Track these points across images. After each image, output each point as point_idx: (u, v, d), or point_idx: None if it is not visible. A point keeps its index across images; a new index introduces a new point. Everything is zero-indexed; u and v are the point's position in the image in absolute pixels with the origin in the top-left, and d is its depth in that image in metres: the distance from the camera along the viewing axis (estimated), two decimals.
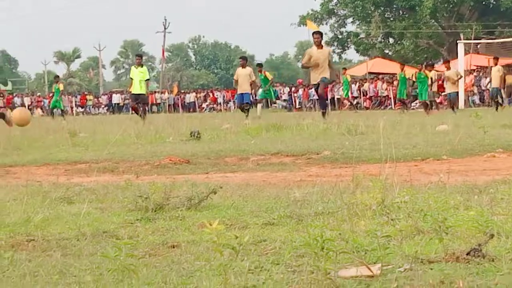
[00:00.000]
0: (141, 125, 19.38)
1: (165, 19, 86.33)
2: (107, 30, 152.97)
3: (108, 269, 3.42)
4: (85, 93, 74.24)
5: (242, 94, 24.14)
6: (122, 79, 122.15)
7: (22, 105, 65.72)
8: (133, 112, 25.88)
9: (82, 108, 65.99)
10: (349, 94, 41.55)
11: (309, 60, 19.50)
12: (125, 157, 10.19)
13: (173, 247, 4.11)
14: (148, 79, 24.89)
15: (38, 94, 76.17)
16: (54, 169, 9.31)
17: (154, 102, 63.91)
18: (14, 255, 3.96)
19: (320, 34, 20.54)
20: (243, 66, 24.61)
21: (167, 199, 5.32)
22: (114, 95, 68.09)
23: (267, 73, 29.89)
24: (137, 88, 24.37)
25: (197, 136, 13.33)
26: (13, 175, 8.73)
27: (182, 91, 68.18)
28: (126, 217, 5.10)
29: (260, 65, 30.77)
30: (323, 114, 19.12)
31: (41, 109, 65.23)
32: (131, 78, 24.74)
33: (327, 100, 20.19)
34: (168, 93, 64.07)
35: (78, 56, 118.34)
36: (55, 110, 36.74)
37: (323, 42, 20.40)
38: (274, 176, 7.74)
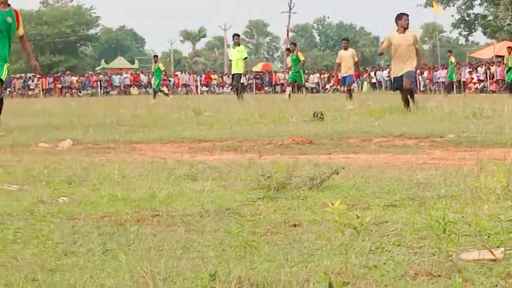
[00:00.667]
0: (241, 104, 19.54)
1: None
2: (233, 10, 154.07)
3: (230, 245, 3.48)
4: (210, 72, 75.12)
5: (345, 76, 24.07)
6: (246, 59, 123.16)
7: (149, 83, 67.23)
8: (234, 91, 26.02)
9: (206, 87, 66.83)
10: (455, 76, 41.10)
11: (387, 47, 16.45)
12: (248, 136, 10.28)
13: (295, 226, 4.14)
14: (246, 58, 24.95)
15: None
16: (179, 147, 9.48)
17: (278, 82, 64.27)
18: (139, 229, 4.06)
19: (408, 15, 16.36)
20: (346, 48, 24.57)
21: (289, 179, 5.34)
22: None
23: (299, 54, 28.57)
24: (235, 67, 24.57)
25: (320, 117, 13.32)
26: (139, 152, 8.93)
27: (306, 72, 68.19)
28: (248, 195, 5.15)
29: (293, 44, 30.00)
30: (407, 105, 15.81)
31: (167, 87, 66.33)
32: (230, 60, 24.98)
33: (412, 96, 16.24)
34: None
35: (204, 36, 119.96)
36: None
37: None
38: (396, 158, 7.66)
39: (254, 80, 66.66)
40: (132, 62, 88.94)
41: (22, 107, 19.63)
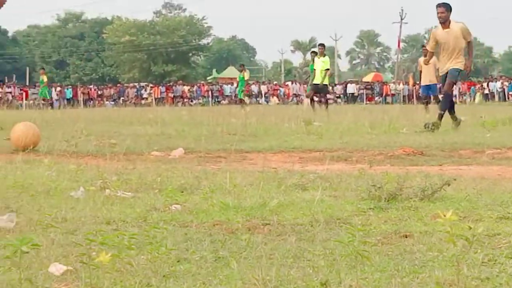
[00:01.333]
0: (325, 116, 19.37)
1: (402, 10, 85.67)
2: (343, 20, 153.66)
3: (341, 254, 3.49)
4: None
5: (428, 85, 23.03)
6: (357, 69, 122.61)
7: (259, 93, 67.70)
8: (310, 102, 25.72)
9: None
10: None
11: (434, 45, 14.54)
12: (359, 146, 10.25)
13: (406, 237, 4.11)
14: (327, 69, 24.70)
15: (275, 82, 77.98)
16: (289, 157, 9.53)
17: (389, 92, 63.87)
18: (250, 238, 4.11)
19: (445, 6, 14.16)
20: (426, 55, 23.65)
21: (400, 189, 5.31)
22: (349, 85, 68.57)
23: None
24: (318, 77, 24.37)
25: (431, 128, 13.17)
26: (249, 161, 9.02)
27: (417, 82, 67.39)
28: (359, 205, 5.14)
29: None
30: (440, 117, 13.87)
31: (277, 97, 66.72)
32: (313, 69, 24.76)
33: (451, 99, 14.88)
34: (403, 84, 63.61)
35: (314, 46, 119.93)
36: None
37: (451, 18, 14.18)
38: (510, 171, 7.52)
39: (364, 90, 66.37)
40: None
41: (135, 116, 20.03)
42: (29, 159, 8.31)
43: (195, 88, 68.59)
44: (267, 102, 65.47)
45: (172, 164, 7.99)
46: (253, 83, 72.84)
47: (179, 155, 9.47)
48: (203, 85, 70.46)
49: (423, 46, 25.23)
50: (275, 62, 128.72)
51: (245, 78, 35.89)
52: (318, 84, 24.18)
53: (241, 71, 36.74)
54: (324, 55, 24.66)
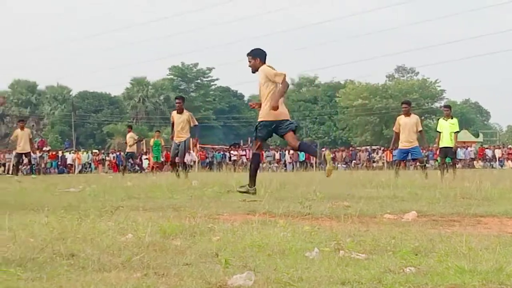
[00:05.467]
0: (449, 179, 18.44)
1: None
2: None
3: None
4: None
5: None
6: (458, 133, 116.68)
7: (493, 156, 66.04)
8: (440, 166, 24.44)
9: None
10: None
11: None
12: None
13: None
14: (457, 131, 23.67)
15: (509, 146, 75.77)
16: None
17: None
18: None
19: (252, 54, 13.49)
20: None
21: None
22: None
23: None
24: (446, 140, 23.40)
25: None
26: (484, 225, 8.82)
27: None
28: None
29: None
30: None
31: None
32: (439, 132, 23.77)
33: None
34: None
35: None
36: None
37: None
38: None
39: None
40: (477, 136, 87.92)
41: (368, 179, 20.09)
42: (265, 220, 8.56)
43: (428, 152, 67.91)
44: (502, 166, 63.73)
45: (405, 227, 7.97)
46: (488, 147, 71.33)
47: (412, 218, 9.42)
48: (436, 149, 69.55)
49: None
50: (509, 125, 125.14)
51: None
52: (448, 147, 23.57)
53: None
54: (452, 117, 23.93)
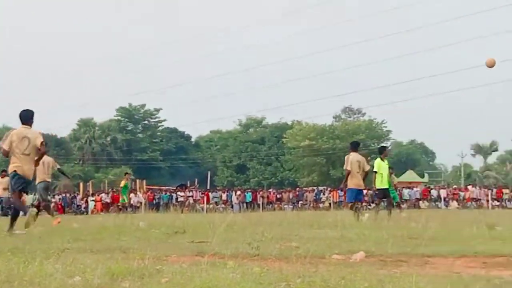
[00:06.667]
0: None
1: None
2: None
3: None
4: (502, 186, 73.36)
5: None
6: None
7: (438, 196, 66.77)
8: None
9: (498, 201, 65.30)
10: None
11: None
12: None
13: None
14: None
15: (454, 186, 76.80)
16: (472, 261, 9.34)
17: None
18: None
19: None
20: None
21: None
22: None
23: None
24: (386, 182, 23.58)
25: None
26: (431, 265, 8.90)
27: None
28: None
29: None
30: None
31: (457, 201, 65.61)
32: (376, 172, 23.77)
33: None
34: None
35: (496, 150, 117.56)
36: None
37: None
38: None
39: None
40: (422, 176, 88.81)
41: (315, 219, 20.15)
42: (214, 262, 8.53)
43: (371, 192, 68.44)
44: (447, 206, 64.43)
45: (354, 268, 8.00)
46: (433, 187, 72.10)
47: (360, 258, 9.46)
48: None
49: None
50: (454, 165, 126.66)
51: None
52: (387, 188, 23.74)
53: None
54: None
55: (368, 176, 22.90)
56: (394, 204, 25.06)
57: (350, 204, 22.53)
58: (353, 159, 22.07)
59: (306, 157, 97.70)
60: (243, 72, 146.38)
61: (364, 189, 23.77)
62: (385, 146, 25.86)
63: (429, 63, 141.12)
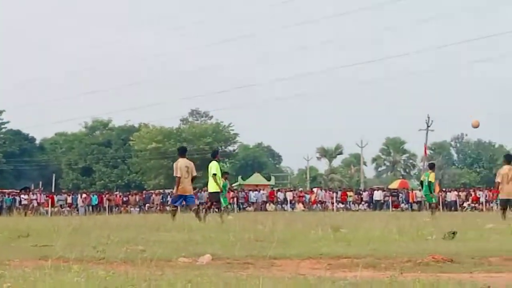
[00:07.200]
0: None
1: (428, 117, 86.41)
2: (369, 127, 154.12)
3: None
4: (346, 189, 75.29)
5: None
6: (383, 176, 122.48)
7: (285, 199, 67.81)
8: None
9: (342, 204, 66.96)
10: None
11: None
12: (387, 253, 10.18)
13: None
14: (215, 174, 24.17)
15: (300, 189, 78.22)
16: (318, 263, 9.47)
17: (415, 199, 63.94)
18: None
19: None
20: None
21: None
22: (375, 192, 68.75)
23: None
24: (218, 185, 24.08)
25: (451, 237, 13.10)
26: (277, 267, 8.97)
27: (443, 189, 67.41)
28: None
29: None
30: None
31: (303, 204, 66.80)
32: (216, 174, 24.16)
33: None
34: None
35: (340, 153, 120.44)
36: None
37: None
38: None
39: (390, 197, 66.50)
40: (269, 179, 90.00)
41: (162, 222, 20.04)
42: (58, 265, 8.32)
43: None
44: (293, 208, 65.49)
45: (200, 270, 7.96)
46: (279, 190, 73.11)
47: (207, 261, 9.45)
48: (229, 192, 70.63)
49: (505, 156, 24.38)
50: (300, 168, 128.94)
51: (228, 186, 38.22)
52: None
53: (225, 178, 39.92)
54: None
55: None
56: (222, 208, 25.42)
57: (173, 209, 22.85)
58: (181, 165, 21.97)
59: (153, 160, 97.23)
60: (88, 74, 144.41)
61: (193, 193, 23.75)
62: (217, 150, 26.28)
63: (276, 68, 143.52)
